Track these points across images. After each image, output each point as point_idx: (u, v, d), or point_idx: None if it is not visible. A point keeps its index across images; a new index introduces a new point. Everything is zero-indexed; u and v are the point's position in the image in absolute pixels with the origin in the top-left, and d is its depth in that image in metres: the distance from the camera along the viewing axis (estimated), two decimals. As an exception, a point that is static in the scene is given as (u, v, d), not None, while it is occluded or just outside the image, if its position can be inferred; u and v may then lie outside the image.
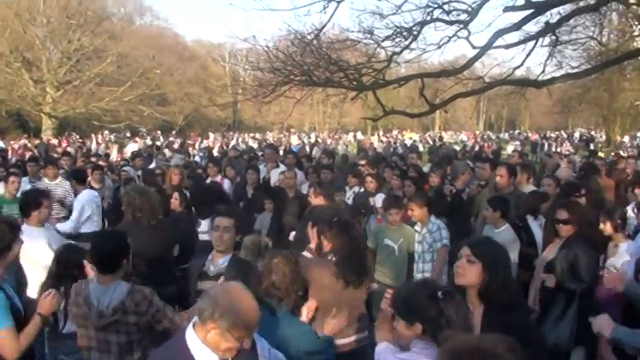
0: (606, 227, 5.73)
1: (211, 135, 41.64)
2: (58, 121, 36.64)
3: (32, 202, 5.67)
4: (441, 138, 44.04)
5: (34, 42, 35.74)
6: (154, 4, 57.82)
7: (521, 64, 11.79)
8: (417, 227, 6.77)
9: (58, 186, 9.34)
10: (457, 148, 22.15)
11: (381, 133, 50.83)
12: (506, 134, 57.18)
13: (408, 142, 36.36)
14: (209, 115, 53.48)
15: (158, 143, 30.13)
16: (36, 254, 5.19)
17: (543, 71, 12.20)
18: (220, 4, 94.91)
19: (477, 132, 57.54)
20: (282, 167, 9.90)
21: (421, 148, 27.79)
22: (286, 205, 8.55)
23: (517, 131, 57.98)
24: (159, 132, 41.94)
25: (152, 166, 13.27)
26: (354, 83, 10.82)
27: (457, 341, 2.14)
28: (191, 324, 2.72)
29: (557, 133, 52.79)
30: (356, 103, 50.07)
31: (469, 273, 3.15)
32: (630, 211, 6.82)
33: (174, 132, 45.59)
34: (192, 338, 2.68)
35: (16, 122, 39.75)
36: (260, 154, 15.67)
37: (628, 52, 15.33)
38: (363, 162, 11.57)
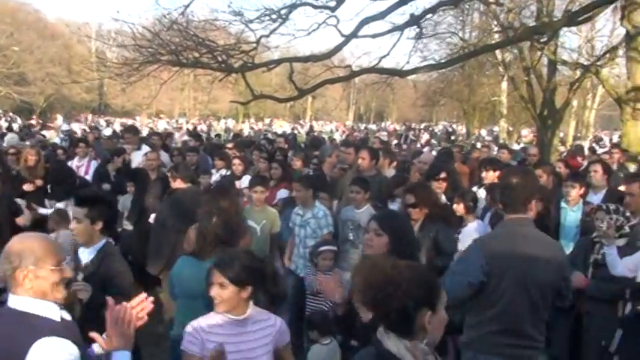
0: (459, 208, 6.09)
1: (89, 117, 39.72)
2: None
3: None
4: (311, 127, 44.54)
5: None
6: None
7: (388, 54, 12.05)
8: (300, 210, 6.78)
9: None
10: (326, 137, 22.56)
11: (252, 120, 50.66)
12: (374, 125, 58.74)
13: (279, 131, 36.44)
14: (73, 97, 50.88)
15: (15, 125, 28.39)
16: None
17: (408, 62, 12.69)
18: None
19: (347, 122, 58.68)
20: (146, 149, 9.62)
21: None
22: (148, 187, 8.35)
23: (388, 123, 59.68)
24: (11, 114, 39.28)
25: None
26: (223, 65, 10.70)
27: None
28: (9, 294, 2.55)
29: (423, 124, 54.86)
30: (228, 90, 49.69)
31: (377, 244, 3.46)
32: (479, 192, 7.22)
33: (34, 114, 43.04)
34: (19, 301, 2.51)
35: None
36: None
37: (484, 46, 16.17)
38: (230, 145, 11.48)
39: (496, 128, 39.98)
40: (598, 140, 34.77)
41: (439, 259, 5.09)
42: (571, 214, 6.66)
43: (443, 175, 6.93)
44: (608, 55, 21.98)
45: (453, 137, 33.19)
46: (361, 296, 2.30)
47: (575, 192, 6.70)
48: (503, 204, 3.94)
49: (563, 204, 6.75)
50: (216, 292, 3.10)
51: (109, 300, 2.60)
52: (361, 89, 66.87)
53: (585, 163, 12.09)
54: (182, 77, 45.64)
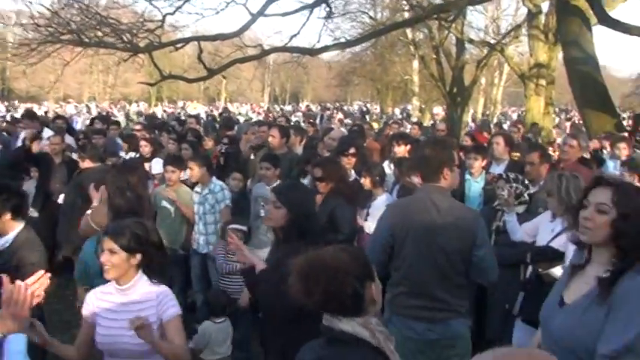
0: (366, 182, 6.19)
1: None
2: None
3: None
4: (225, 109, 44.03)
5: None
6: None
7: (298, 33, 12.07)
8: (198, 188, 6.69)
9: None
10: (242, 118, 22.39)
11: (165, 103, 49.62)
12: (290, 106, 58.72)
13: (193, 113, 35.83)
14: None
15: None
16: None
17: (319, 41, 12.69)
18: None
19: (262, 104, 58.38)
20: (49, 132, 9.25)
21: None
22: (53, 171, 8.08)
23: (305, 104, 59.71)
24: None
25: None
26: (129, 45, 10.40)
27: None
28: None
29: (337, 104, 55.19)
30: (138, 73, 48.41)
31: (275, 217, 3.46)
32: (387, 167, 7.34)
33: None
34: None
35: None
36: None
37: (393, 24, 16.41)
38: (137, 127, 11.18)
39: (409, 107, 40.74)
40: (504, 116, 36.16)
41: (334, 235, 5.12)
42: (475, 185, 6.87)
43: (352, 150, 6.96)
44: (512, 34, 22.78)
45: (367, 117, 33.56)
46: (308, 296, 2.24)
47: (477, 164, 6.92)
48: (419, 174, 4.04)
49: (467, 176, 6.95)
50: (106, 257, 3.14)
51: (4, 278, 2.48)
52: (276, 70, 66.77)
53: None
54: (88, 59, 44.26)
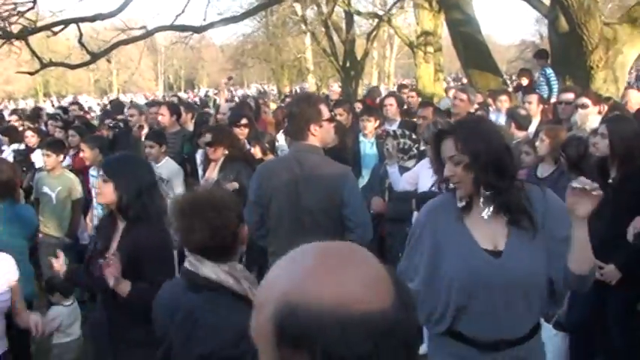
0: (256, 151, 6.15)
1: None
2: None
3: None
4: (117, 99, 42.72)
5: None
6: None
7: (182, 12, 11.72)
8: (93, 172, 6.42)
9: None
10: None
11: (53, 99, 47.64)
12: (185, 93, 57.72)
13: (86, 106, 34.56)
14: None
15: None
16: None
17: (204, 19, 12.39)
18: None
19: (157, 93, 57.09)
20: None
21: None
22: None
23: (204, 90, 58.84)
24: None
25: None
26: (1, 33, 9.84)
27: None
28: None
29: (234, 88, 54.63)
30: (22, 68, 46.14)
31: (104, 192, 3.23)
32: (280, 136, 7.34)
33: None
34: None
35: None
36: None
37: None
38: (14, 118, 10.64)
39: (306, 85, 40.85)
40: (402, 87, 36.82)
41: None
42: (369, 146, 6.94)
43: (244, 121, 6.88)
44: (398, 4, 23.22)
45: (265, 98, 33.40)
46: (191, 232, 2.19)
47: (370, 125, 6.98)
48: (288, 132, 3.96)
49: (361, 137, 7.02)
50: None
51: None
52: (169, 58, 65.37)
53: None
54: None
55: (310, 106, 3.75)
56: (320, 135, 3.74)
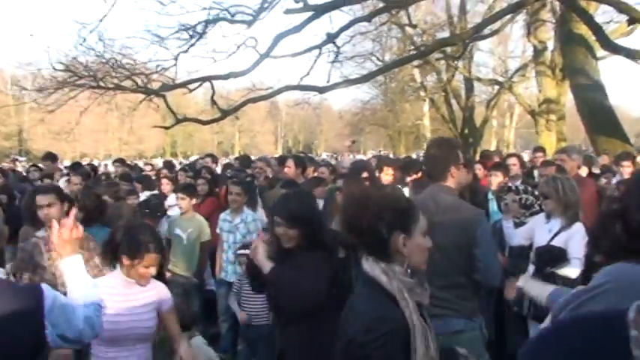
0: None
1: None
2: None
3: None
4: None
5: None
6: None
7: (308, 74, 12.28)
8: (228, 216, 6.76)
9: None
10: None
11: (180, 159, 50.13)
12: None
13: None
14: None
15: None
16: None
17: (328, 81, 12.87)
18: None
19: (276, 156, 58.86)
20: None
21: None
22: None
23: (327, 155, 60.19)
24: None
25: None
26: (143, 88, 10.66)
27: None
28: None
29: (351, 155, 55.42)
30: (153, 130, 49.05)
31: (291, 236, 3.52)
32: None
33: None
34: None
35: None
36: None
37: (399, 59, 16.67)
38: (148, 168, 11.41)
39: (422, 152, 40.88)
40: (537, 150, 36.02)
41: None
42: (494, 203, 6.88)
43: (365, 174, 7.07)
44: (520, 72, 23.02)
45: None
46: (342, 224, 2.46)
47: (497, 180, 6.99)
48: (427, 174, 4.08)
49: (490, 195, 6.99)
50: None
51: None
52: (288, 122, 67.62)
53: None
54: (103, 117, 45.03)
55: (451, 149, 3.91)
56: (457, 177, 3.87)
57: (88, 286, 2.62)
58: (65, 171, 10.64)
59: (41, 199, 4.59)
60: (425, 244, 2.46)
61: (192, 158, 46.40)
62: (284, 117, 64.73)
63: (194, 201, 6.99)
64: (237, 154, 56.86)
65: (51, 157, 10.10)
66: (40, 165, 10.34)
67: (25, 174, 12.66)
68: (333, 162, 30.47)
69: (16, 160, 20.03)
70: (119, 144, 55.79)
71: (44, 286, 2.40)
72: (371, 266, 2.34)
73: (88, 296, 2.58)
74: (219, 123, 37.42)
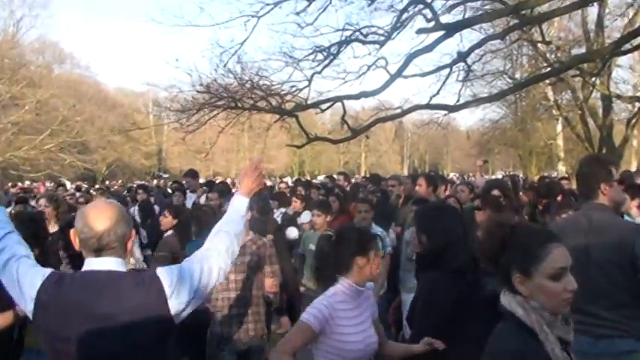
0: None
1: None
2: (-26, 171, 35.14)
3: None
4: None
5: (-51, 89, 34.52)
6: (73, 52, 57.93)
7: (437, 93, 12.23)
8: None
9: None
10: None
11: (308, 178, 51.21)
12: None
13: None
14: (133, 163, 52.72)
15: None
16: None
17: (458, 100, 12.74)
18: (141, 48, 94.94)
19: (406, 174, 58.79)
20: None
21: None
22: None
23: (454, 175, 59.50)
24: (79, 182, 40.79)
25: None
26: (277, 108, 11.03)
27: None
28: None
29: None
30: (282, 150, 50.43)
31: (414, 242, 3.90)
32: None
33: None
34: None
35: None
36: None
37: (532, 77, 16.19)
38: (283, 185, 11.75)
39: (554, 174, 39.37)
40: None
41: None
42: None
43: (495, 192, 6.95)
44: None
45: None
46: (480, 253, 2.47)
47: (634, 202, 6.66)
48: (578, 192, 4.04)
49: (626, 217, 6.68)
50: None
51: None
52: (414, 143, 67.26)
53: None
54: (235, 137, 46.82)
55: (601, 166, 3.86)
56: (609, 195, 3.79)
57: (240, 226, 2.86)
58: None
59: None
60: (554, 289, 2.24)
61: (320, 178, 47.41)
62: (410, 137, 64.45)
63: (328, 218, 7.15)
64: (362, 174, 57.37)
65: (192, 173, 10.68)
66: (183, 181, 11.01)
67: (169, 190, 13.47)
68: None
69: (160, 176, 21.36)
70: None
71: (159, 271, 2.54)
72: (508, 300, 2.28)
73: (236, 234, 2.81)
74: (346, 143, 38.10)
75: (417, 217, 3.95)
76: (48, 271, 2.54)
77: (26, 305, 2.51)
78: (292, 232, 8.00)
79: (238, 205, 2.91)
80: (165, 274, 2.50)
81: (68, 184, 24.40)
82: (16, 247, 2.64)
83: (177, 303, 2.47)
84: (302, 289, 6.81)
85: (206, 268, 2.60)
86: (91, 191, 17.28)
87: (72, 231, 2.58)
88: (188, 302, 2.52)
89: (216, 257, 2.66)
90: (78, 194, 12.03)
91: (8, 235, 2.68)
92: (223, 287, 4.84)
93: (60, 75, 45.54)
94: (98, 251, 2.49)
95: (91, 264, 2.51)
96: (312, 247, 7.01)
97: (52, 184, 31.72)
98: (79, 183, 40.39)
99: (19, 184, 31.18)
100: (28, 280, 2.50)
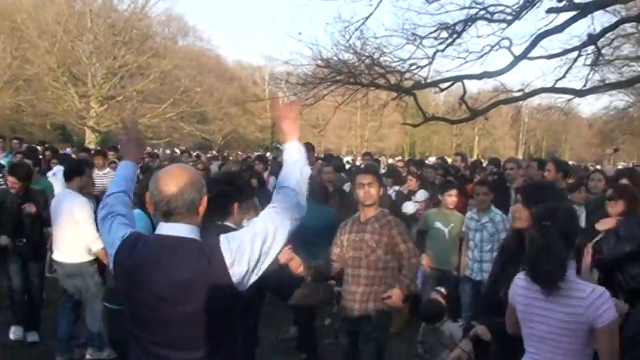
0: None
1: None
2: (100, 136, 37.20)
3: (75, 168, 6.33)
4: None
5: (81, 58, 36.53)
6: (197, 25, 60.13)
7: (564, 76, 11.71)
8: (475, 215, 6.83)
9: (106, 176, 9.71)
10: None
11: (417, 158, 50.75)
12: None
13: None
14: (248, 135, 54.08)
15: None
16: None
17: (584, 85, 12.13)
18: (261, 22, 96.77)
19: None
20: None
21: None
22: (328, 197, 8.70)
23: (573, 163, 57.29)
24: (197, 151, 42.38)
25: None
26: (395, 86, 10.95)
27: None
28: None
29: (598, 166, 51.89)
30: (393, 129, 50.12)
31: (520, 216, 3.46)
32: None
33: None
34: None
35: (60, 135, 40.51)
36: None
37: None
38: (400, 164, 11.70)
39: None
40: None
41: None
42: None
43: (624, 180, 6.60)
44: None
45: None
46: None
47: None
48: None
49: None
50: None
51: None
52: (531, 129, 65.00)
53: None
54: (348, 115, 47.00)
55: None
56: None
57: (297, 174, 2.72)
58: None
59: (363, 179, 4.83)
60: None
61: (431, 159, 46.88)
62: (527, 122, 62.36)
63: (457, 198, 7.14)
64: (475, 157, 56.20)
65: (308, 146, 10.79)
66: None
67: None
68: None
69: (277, 147, 21.81)
70: (360, 141, 57.91)
71: (221, 238, 2.48)
72: None
73: (297, 183, 2.71)
74: (460, 125, 37.36)
75: (524, 191, 3.78)
76: (129, 231, 2.63)
77: (110, 262, 2.64)
78: (409, 207, 7.96)
79: (289, 153, 2.79)
80: (226, 242, 2.46)
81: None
82: (116, 205, 2.77)
83: (239, 271, 2.43)
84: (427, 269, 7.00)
85: (271, 231, 2.52)
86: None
87: (147, 194, 2.60)
88: (251, 270, 2.47)
89: (279, 217, 2.57)
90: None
91: (117, 193, 2.83)
92: (353, 263, 4.80)
93: (183, 47, 47.21)
94: (167, 215, 2.50)
95: (161, 228, 2.53)
96: (439, 225, 7.05)
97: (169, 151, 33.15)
98: (197, 152, 42.11)
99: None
100: (112, 238, 2.62)
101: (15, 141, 14.40)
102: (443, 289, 5.73)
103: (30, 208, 6.51)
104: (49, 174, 9.42)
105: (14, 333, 6.69)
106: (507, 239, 3.94)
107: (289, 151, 2.79)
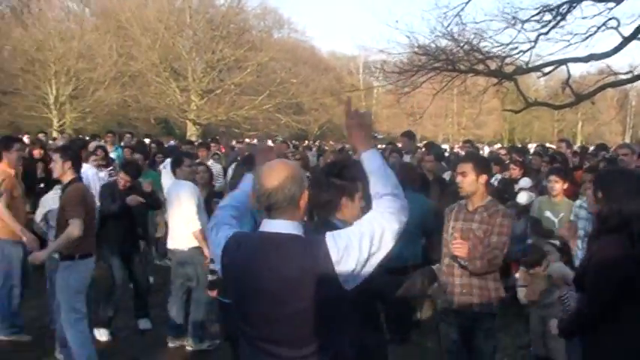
0: None
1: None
2: (201, 128, 38.37)
3: (179, 159, 6.67)
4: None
5: (181, 53, 37.77)
6: (291, 17, 60.90)
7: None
8: (584, 203, 6.57)
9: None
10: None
11: (519, 145, 49.34)
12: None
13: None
14: (343, 125, 54.26)
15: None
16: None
17: None
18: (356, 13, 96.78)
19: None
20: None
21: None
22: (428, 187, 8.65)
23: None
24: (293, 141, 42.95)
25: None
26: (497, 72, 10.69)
27: None
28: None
29: None
30: (491, 116, 48.97)
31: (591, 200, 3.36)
32: None
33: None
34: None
35: (163, 129, 42.06)
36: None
37: None
38: (502, 152, 11.43)
39: None
40: None
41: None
42: None
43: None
44: None
45: None
46: None
47: None
48: None
49: None
50: None
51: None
52: (639, 112, 61.78)
53: None
54: (447, 104, 46.32)
55: None
56: None
57: (388, 180, 2.61)
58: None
59: (458, 168, 4.75)
60: None
61: (531, 146, 45.54)
62: (634, 105, 59.33)
63: (565, 185, 6.85)
64: (578, 144, 54.08)
65: (409, 134, 10.71)
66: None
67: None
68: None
69: (375, 137, 21.90)
70: (457, 129, 56.96)
71: (328, 235, 2.42)
72: None
73: (393, 187, 2.59)
74: (561, 111, 35.89)
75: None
76: (233, 231, 2.66)
77: (217, 264, 2.70)
78: (523, 197, 7.71)
79: (370, 160, 2.64)
80: (332, 239, 2.40)
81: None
82: (223, 216, 2.82)
83: (345, 269, 2.38)
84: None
85: (378, 232, 2.44)
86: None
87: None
88: (359, 270, 2.42)
89: (385, 220, 2.49)
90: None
91: (227, 206, 2.90)
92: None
93: (278, 39, 47.83)
94: (268, 210, 2.49)
95: (265, 225, 2.53)
96: (549, 214, 6.81)
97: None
98: (295, 142, 42.67)
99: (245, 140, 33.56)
100: (218, 239, 2.66)
101: (127, 135, 15.08)
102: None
103: (134, 200, 6.81)
104: (161, 167, 9.78)
105: (142, 325, 6.99)
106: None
107: (370, 158, 2.66)
